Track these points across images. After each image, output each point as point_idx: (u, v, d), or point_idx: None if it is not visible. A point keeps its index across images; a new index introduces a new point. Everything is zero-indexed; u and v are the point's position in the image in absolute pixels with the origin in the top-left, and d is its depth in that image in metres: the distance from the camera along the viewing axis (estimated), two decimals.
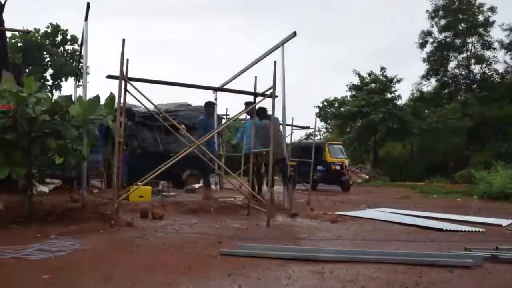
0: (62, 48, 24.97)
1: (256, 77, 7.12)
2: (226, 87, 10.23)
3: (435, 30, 28.73)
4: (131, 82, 5.60)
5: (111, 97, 5.53)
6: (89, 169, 7.42)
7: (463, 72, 28.82)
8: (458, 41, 28.23)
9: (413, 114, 28.14)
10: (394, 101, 28.12)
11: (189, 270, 3.06)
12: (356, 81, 29.77)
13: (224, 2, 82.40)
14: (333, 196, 12.46)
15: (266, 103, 6.50)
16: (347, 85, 30.17)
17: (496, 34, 32.26)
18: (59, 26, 24.54)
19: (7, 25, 9.99)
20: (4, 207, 5.71)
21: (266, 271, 3.07)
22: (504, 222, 6.23)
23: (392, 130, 26.75)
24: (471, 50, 28.18)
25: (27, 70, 22.00)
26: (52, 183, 9.36)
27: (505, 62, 26.97)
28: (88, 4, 6.73)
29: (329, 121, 41.48)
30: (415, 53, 42.81)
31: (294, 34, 7.56)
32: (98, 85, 10.44)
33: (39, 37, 23.58)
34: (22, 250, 3.47)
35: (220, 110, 12.04)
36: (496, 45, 27.16)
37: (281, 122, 7.20)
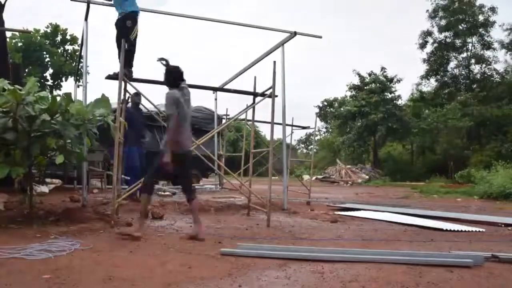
0: (62, 48, 24.94)
1: (255, 77, 7.13)
2: (226, 87, 10.24)
3: (435, 30, 28.73)
4: (131, 82, 5.60)
5: (105, 98, 5.53)
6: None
7: (463, 72, 28.80)
8: (458, 41, 28.20)
9: (413, 114, 28.14)
10: (394, 101, 28.13)
11: (189, 270, 3.06)
12: (356, 81, 29.81)
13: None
14: (333, 195, 12.46)
15: (266, 103, 6.49)
16: (347, 85, 30.25)
17: (496, 34, 32.10)
18: (58, 26, 24.51)
19: (6, 25, 9.98)
20: (4, 207, 5.71)
21: (266, 271, 3.07)
22: (504, 222, 6.22)
23: (392, 130, 26.76)
24: (471, 50, 28.17)
25: (27, 70, 21.98)
26: (52, 183, 9.38)
27: (506, 61, 26.95)
28: (88, 4, 6.73)
29: (329, 121, 41.50)
30: (416, 53, 42.74)
31: (294, 34, 7.58)
32: (98, 85, 10.47)
33: (39, 37, 23.55)
34: (22, 250, 3.47)
35: (220, 110, 12.07)
36: (496, 45, 27.15)
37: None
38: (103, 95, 5.54)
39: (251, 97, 6.94)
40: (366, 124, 27.03)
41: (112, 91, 6.20)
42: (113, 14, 6.21)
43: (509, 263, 3.47)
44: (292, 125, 11.53)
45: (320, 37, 8.22)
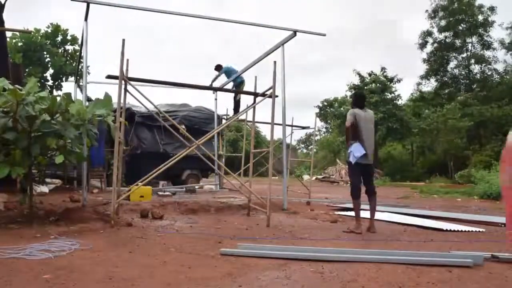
0: (62, 48, 24.94)
1: (256, 77, 7.13)
2: (226, 87, 10.25)
3: (435, 30, 28.74)
4: (131, 82, 5.60)
5: (107, 98, 5.53)
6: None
7: (463, 72, 28.82)
8: (458, 41, 28.23)
9: (413, 114, 28.13)
10: (394, 101, 28.12)
11: (189, 270, 3.06)
12: (356, 81, 29.82)
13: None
14: (333, 195, 12.46)
15: (266, 103, 6.49)
16: (347, 85, 30.25)
17: (496, 34, 32.16)
18: (59, 26, 24.51)
19: (7, 25, 9.98)
20: (4, 207, 5.71)
21: (266, 271, 3.07)
22: (504, 222, 6.21)
23: (392, 130, 26.75)
24: (471, 50, 28.18)
25: (27, 70, 21.96)
26: (52, 183, 9.39)
27: (505, 61, 26.97)
28: (88, 4, 6.73)
29: (329, 121, 41.50)
30: (416, 53, 42.72)
31: (294, 34, 7.57)
32: (98, 85, 10.47)
33: (39, 37, 23.55)
34: (22, 250, 3.47)
35: (220, 110, 12.08)
36: (496, 45, 27.17)
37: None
38: (106, 93, 5.54)
39: (251, 97, 6.95)
40: None
41: (113, 91, 6.19)
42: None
43: (508, 263, 3.47)
44: (292, 125, 11.53)
45: (324, 34, 8.02)
